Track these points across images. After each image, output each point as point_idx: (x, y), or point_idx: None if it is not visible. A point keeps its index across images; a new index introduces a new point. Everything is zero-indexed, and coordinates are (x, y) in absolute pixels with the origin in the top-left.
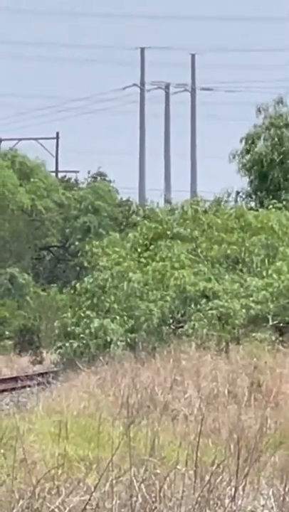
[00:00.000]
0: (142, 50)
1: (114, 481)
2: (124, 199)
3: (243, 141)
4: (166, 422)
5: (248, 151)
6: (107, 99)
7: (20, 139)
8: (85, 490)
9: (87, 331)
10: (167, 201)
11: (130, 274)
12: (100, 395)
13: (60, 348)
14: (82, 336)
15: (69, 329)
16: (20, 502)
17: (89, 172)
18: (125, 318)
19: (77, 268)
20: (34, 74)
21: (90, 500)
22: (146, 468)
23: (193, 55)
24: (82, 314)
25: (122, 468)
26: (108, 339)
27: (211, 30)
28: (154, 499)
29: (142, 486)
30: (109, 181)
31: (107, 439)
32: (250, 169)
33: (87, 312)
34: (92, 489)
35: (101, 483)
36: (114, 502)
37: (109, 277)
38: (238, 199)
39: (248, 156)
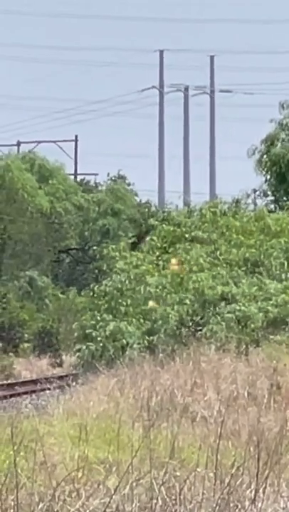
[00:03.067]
0: (161, 52)
1: (134, 484)
2: (143, 201)
3: (262, 142)
4: (185, 425)
5: (267, 152)
6: (126, 101)
7: (39, 142)
8: (105, 492)
9: (103, 334)
10: (186, 203)
11: (148, 277)
12: (119, 398)
13: (79, 350)
14: (99, 338)
15: (87, 332)
16: (41, 505)
17: (108, 174)
18: (142, 321)
19: (96, 271)
20: (53, 77)
21: (110, 502)
22: (166, 470)
23: (212, 57)
24: (99, 317)
25: (142, 470)
26: (125, 342)
27: (229, 32)
28: (174, 501)
29: (162, 488)
30: (129, 184)
31: (127, 441)
32: (268, 170)
33: (104, 315)
34: (112, 492)
35: (121, 485)
36: (134, 504)
37: (126, 280)
38: (256, 199)
39: (266, 156)
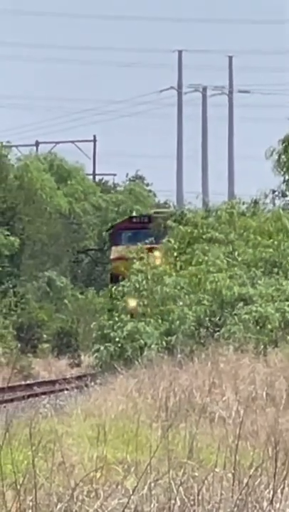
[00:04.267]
0: (180, 52)
1: (152, 484)
2: (161, 202)
3: (281, 143)
4: (204, 425)
5: (285, 152)
6: (144, 102)
7: (57, 142)
8: (124, 493)
9: (121, 334)
10: (204, 203)
11: (165, 277)
12: (138, 398)
13: (97, 351)
14: (117, 339)
15: (105, 332)
16: (59, 505)
17: (127, 175)
18: (160, 321)
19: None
20: (72, 77)
21: (128, 503)
22: (184, 471)
23: (230, 58)
24: (117, 318)
25: (160, 471)
26: (143, 342)
27: (248, 32)
28: (192, 502)
29: (181, 488)
30: (147, 184)
31: (146, 442)
32: (286, 170)
33: (122, 315)
34: (131, 492)
35: (139, 486)
36: (152, 505)
37: (143, 281)
38: (275, 199)
39: (284, 157)
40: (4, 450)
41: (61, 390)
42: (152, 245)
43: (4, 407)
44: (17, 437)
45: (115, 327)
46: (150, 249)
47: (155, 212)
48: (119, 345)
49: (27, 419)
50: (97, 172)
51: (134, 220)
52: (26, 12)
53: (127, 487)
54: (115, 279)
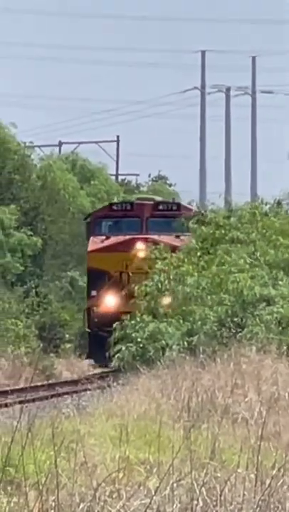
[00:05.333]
0: (203, 53)
1: (174, 485)
2: (185, 202)
3: None
4: (226, 426)
5: None
6: (167, 102)
7: (80, 143)
8: (146, 493)
9: (143, 335)
10: (227, 203)
11: (187, 278)
12: (160, 399)
13: (119, 351)
14: (139, 339)
15: (127, 332)
16: (81, 505)
17: (150, 175)
18: (181, 321)
19: None
20: (95, 77)
21: (150, 503)
22: (206, 471)
23: (253, 58)
24: (139, 318)
25: (182, 471)
26: (164, 343)
27: (271, 32)
28: (214, 503)
29: (203, 489)
30: (170, 184)
31: (168, 442)
32: None
33: (144, 316)
34: (153, 493)
35: (162, 486)
36: (174, 505)
37: (165, 280)
38: None
39: None
40: (27, 450)
41: (84, 390)
42: (139, 236)
43: (26, 406)
44: (39, 437)
45: (137, 327)
46: (135, 241)
47: (138, 199)
48: (141, 345)
49: (50, 419)
50: (120, 172)
51: (115, 207)
52: (51, 13)
53: (149, 487)
54: (93, 274)
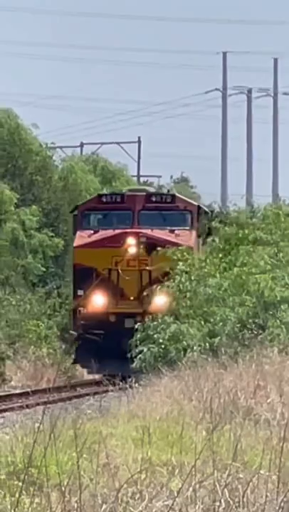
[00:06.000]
0: (224, 54)
1: (197, 486)
2: (206, 203)
3: None
4: (248, 427)
5: None
6: (189, 103)
7: (102, 143)
8: (168, 494)
9: (164, 336)
10: (249, 204)
11: (209, 279)
12: (182, 400)
13: (141, 352)
14: (160, 340)
15: (149, 333)
16: (104, 506)
17: (171, 177)
18: (202, 323)
19: None
20: (116, 78)
21: (173, 505)
22: (229, 472)
23: (275, 60)
24: (160, 319)
25: (205, 473)
26: (186, 344)
27: None
28: (237, 504)
29: (225, 490)
30: (192, 186)
31: (190, 443)
32: None
33: (165, 317)
34: (175, 494)
35: (184, 487)
36: (197, 507)
37: (187, 282)
38: None
39: None
40: (49, 451)
41: (105, 391)
42: (129, 230)
43: (48, 408)
44: (61, 438)
45: (158, 328)
46: (125, 235)
47: (129, 190)
48: (163, 346)
49: (72, 421)
50: (141, 174)
51: (104, 199)
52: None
53: (171, 489)
54: (80, 272)
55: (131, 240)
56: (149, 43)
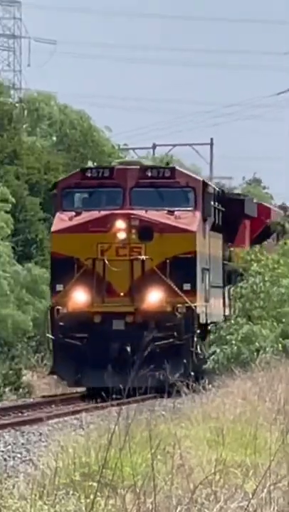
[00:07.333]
0: None
1: (272, 487)
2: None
3: None
4: None
5: None
6: (261, 104)
7: (174, 145)
8: (243, 496)
9: (237, 337)
10: None
11: (282, 279)
12: (256, 401)
13: (214, 353)
14: (233, 342)
15: (222, 334)
16: (179, 508)
17: (243, 178)
18: (275, 324)
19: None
20: (189, 80)
21: (248, 506)
22: None
23: None
24: (233, 320)
25: (279, 474)
26: (258, 345)
27: None
28: None
29: None
30: (264, 187)
31: (264, 444)
32: None
33: (238, 318)
34: (250, 495)
35: (259, 489)
36: (272, 508)
37: (260, 282)
38: None
39: None
40: (123, 453)
41: (177, 392)
42: (119, 211)
43: (121, 409)
44: (135, 440)
45: (231, 329)
46: (113, 217)
47: (121, 164)
48: (235, 347)
49: (146, 422)
50: (214, 175)
51: (89, 174)
52: (145, 14)
53: (246, 490)
54: (59, 262)
55: (120, 224)
56: (221, 43)
